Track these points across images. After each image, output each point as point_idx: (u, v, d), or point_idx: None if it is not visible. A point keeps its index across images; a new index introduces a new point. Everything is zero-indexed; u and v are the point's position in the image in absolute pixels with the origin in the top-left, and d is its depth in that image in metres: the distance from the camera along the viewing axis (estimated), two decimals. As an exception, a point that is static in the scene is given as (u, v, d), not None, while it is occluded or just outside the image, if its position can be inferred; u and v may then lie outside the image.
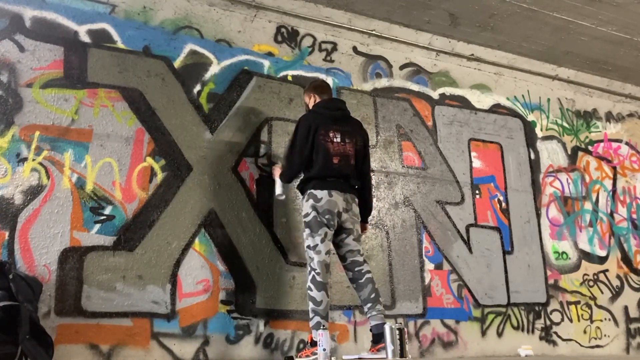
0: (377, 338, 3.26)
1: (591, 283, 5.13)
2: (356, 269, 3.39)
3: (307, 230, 3.33)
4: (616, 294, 5.25)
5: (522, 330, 4.62)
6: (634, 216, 5.65)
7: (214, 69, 4.01)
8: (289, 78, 4.29)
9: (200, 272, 3.56)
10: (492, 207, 4.84)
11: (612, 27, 4.87)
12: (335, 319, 3.88)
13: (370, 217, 4.22)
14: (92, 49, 3.63)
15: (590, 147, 5.66)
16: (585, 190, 5.44)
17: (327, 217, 3.29)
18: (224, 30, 4.15)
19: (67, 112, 3.45)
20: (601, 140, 5.77)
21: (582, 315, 4.99)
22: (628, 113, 6.08)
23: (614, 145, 5.85)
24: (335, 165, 3.37)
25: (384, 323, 3.19)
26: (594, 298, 5.10)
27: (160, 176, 3.62)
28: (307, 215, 3.33)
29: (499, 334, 4.50)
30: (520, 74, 5.44)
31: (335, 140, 3.41)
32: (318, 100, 3.60)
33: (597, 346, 4.97)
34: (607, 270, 5.26)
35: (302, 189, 3.47)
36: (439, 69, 5.06)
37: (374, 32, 4.74)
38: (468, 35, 5.01)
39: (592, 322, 5.02)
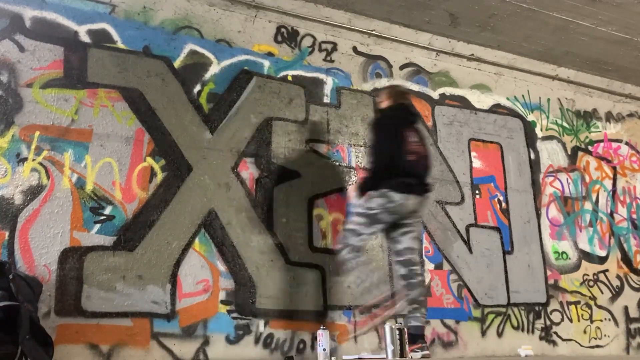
0: (414, 338, 3.23)
1: (591, 283, 5.13)
2: (411, 267, 3.36)
3: (361, 219, 3.28)
4: (616, 294, 5.25)
5: (522, 330, 4.62)
6: (634, 216, 5.65)
7: (214, 69, 4.01)
8: (289, 78, 4.29)
9: (200, 272, 3.56)
10: (492, 207, 4.84)
11: (612, 27, 4.87)
12: (335, 319, 3.88)
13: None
14: (92, 49, 3.63)
15: (590, 147, 5.66)
16: (585, 190, 5.44)
17: (392, 217, 3.28)
18: (224, 30, 4.15)
19: (67, 112, 3.46)
20: (601, 140, 5.77)
21: (582, 315, 4.99)
22: (628, 113, 6.08)
23: (614, 145, 5.85)
24: (413, 164, 3.35)
25: (424, 326, 3.21)
26: (594, 298, 5.10)
27: (160, 176, 3.62)
28: (369, 209, 3.28)
29: (499, 334, 4.50)
30: (520, 74, 5.44)
31: (413, 139, 3.40)
32: (394, 103, 3.62)
33: (597, 346, 4.97)
34: (607, 270, 5.26)
35: (373, 185, 3.33)
36: (439, 69, 5.06)
37: (374, 32, 4.74)
38: (468, 35, 5.01)
39: (592, 322, 5.02)
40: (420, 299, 3.32)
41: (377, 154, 3.41)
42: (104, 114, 3.56)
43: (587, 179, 5.50)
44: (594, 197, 5.47)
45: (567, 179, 5.37)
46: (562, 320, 4.86)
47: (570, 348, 4.81)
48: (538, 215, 5.06)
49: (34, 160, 3.30)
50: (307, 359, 3.66)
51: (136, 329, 3.28)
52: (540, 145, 5.35)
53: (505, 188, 4.97)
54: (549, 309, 4.81)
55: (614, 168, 5.73)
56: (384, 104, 3.67)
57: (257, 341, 3.61)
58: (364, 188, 3.40)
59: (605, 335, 5.05)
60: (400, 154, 3.33)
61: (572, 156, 5.50)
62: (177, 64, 3.88)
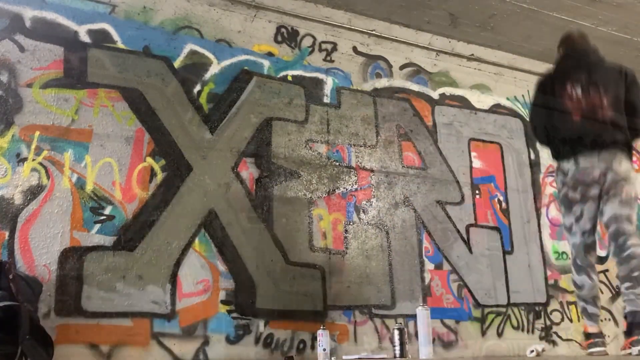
0: (631, 328, 2.88)
1: (591, 283, 5.12)
2: (620, 239, 2.83)
3: (562, 209, 3.07)
4: (616, 294, 5.24)
5: (522, 330, 4.62)
6: (634, 216, 5.64)
7: (214, 69, 4.01)
8: (289, 78, 4.29)
9: (200, 272, 3.56)
10: (492, 207, 4.84)
11: (612, 27, 4.87)
12: (335, 319, 3.88)
13: (370, 217, 4.24)
14: (92, 49, 3.63)
15: (590, 147, 5.65)
16: (585, 190, 5.44)
17: (579, 189, 2.92)
18: (224, 30, 4.15)
19: (67, 112, 3.45)
20: (601, 140, 5.76)
21: (582, 315, 4.97)
22: (628, 113, 6.07)
23: (614, 145, 5.84)
24: (573, 124, 2.91)
25: None
26: (594, 298, 5.09)
27: (160, 176, 3.62)
28: (558, 191, 3.07)
29: (499, 334, 4.50)
30: (520, 74, 5.43)
31: (574, 94, 2.93)
32: (559, 55, 3.20)
33: (597, 346, 4.96)
34: (607, 270, 5.25)
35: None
36: (439, 69, 5.06)
37: (374, 32, 4.74)
38: (468, 35, 5.01)
39: (592, 322, 5.01)
40: (635, 274, 2.80)
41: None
42: (104, 114, 3.56)
43: (587, 179, 5.49)
44: (594, 197, 5.46)
45: (567, 179, 5.36)
46: (562, 320, 4.86)
47: (570, 348, 4.81)
48: (538, 215, 5.06)
49: (34, 160, 3.30)
50: (307, 359, 3.66)
51: (136, 329, 3.28)
52: (540, 145, 5.34)
53: (505, 188, 4.97)
54: (549, 309, 4.81)
55: (614, 168, 5.72)
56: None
57: (257, 341, 3.61)
58: None
59: (605, 335, 5.04)
60: (558, 116, 2.92)
61: (572, 156, 5.49)
62: (177, 64, 3.88)
